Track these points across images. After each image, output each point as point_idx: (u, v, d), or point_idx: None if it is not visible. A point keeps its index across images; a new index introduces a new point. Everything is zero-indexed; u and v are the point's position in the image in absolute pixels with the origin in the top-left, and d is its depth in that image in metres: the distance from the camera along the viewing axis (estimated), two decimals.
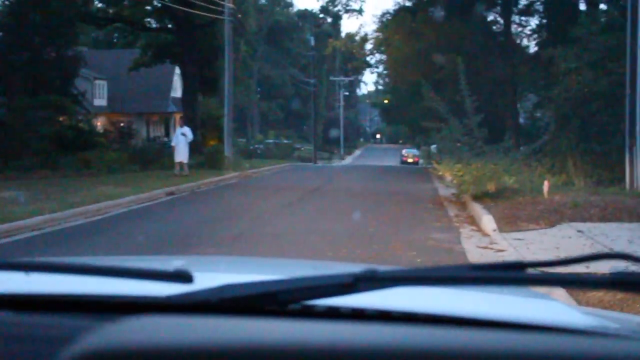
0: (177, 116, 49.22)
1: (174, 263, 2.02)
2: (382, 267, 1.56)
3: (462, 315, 1.62)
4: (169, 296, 1.57)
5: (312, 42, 64.08)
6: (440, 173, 24.14)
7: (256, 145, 65.75)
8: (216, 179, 28.46)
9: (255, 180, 30.76)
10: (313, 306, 1.53)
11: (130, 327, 1.15)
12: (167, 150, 31.79)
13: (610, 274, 1.35)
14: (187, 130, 29.38)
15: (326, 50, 53.02)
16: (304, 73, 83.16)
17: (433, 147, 76.83)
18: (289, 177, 32.86)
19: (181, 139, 28.95)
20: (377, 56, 50.24)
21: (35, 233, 14.20)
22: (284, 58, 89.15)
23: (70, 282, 1.77)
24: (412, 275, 1.54)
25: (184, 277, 1.56)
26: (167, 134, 57.81)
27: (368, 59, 49.04)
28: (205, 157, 33.44)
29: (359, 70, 47.50)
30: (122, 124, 57.65)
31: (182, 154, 28.69)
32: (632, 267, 1.76)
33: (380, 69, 67.98)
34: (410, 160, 73.54)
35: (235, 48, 47.40)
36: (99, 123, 56.53)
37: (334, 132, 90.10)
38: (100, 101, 59.63)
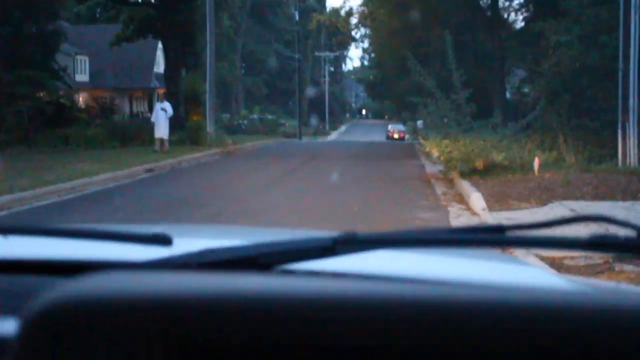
0: (161, 92, 48.44)
1: (153, 228, 1.91)
2: (362, 231, 1.51)
3: (440, 279, 1.60)
4: (146, 260, 1.53)
5: (297, 17, 62.84)
6: (427, 149, 23.40)
7: (240, 121, 65.09)
8: (198, 156, 27.70)
9: (237, 157, 29.78)
10: (293, 271, 1.50)
11: (105, 278, 1.11)
12: (149, 126, 30.91)
13: (589, 235, 1.35)
14: (167, 105, 28.66)
15: (310, 24, 51.92)
16: (288, 49, 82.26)
17: (419, 122, 76.60)
18: (272, 153, 31.93)
19: (161, 115, 28.24)
20: (362, 30, 49.18)
21: (3, 213, 13.55)
22: (269, 33, 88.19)
23: (48, 246, 1.77)
24: (392, 238, 1.51)
25: (162, 240, 1.59)
26: (150, 110, 56.59)
27: (353, 33, 47.75)
28: (187, 133, 32.59)
29: (344, 45, 46.32)
30: (104, 100, 57.59)
31: (162, 130, 28.03)
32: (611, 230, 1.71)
33: (366, 44, 67.20)
34: (396, 135, 72.93)
35: (218, 23, 47.05)
36: (81, 99, 56.29)
37: (318, 108, 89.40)
38: (82, 77, 59.27)
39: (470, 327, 0.97)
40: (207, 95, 33.37)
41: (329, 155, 31.29)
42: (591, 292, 1.58)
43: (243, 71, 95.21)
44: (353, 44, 50.17)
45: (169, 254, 1.53)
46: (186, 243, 1.77)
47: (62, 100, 43.96)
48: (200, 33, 43.72)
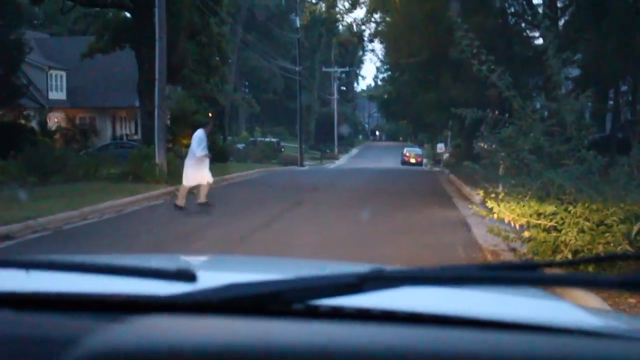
0: None
1: (177, 262, 1.91)
2: (390, 267, 1.52)
3: (468, 316, 1.54)
4: (172, 295, 1.51)
5: (297, 24, 55.63)
6: (480, 195, 12.54)
7: (238, 145, 58.37)
8: (127, 200, 19.04)
9: (190, 202, 18.96)
10: (318, 306, 1.48)
11: (135, 328, 1.17)
12: (79, 158, 23.48)
13: (620, 274, 1.39)
14: (196, 135, 18.47)
15: (303, 19, 44.28)
16: (294, 65, 75.39)
17: (440, 145, 70.28)
18: (243, 197, 22.69)
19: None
20: (373, 28, 40.14)
21: None
22: (274, 49, 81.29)
23: (72, 281, 1.73)
24: (420, 275, 1.51)
25: (187, 276, 1.56)
26: (137, 131, 50.72)
27: (361, 29, 38.88)
28: (130, 164, 24.60)
29: (349, 50, 38.42)
30: (83, 121, 51.87)
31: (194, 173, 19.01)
32: None
33: (377, 48, 59.96)
34: (412, 160, 67.26)
35: (205, 27, 40.71)
36: (56, 119, 50.36)
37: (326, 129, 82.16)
38: (58, 94, 53.16)
39: None
40: (156, 113, 24.91)
41: (324, 194, 23.16)
42: (617, 334, 1.55)
43: (247, 90, 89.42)
44: (361, 48, 40.90)
45: (193, 288, 1.50)
46: (210, 277, 1.77)
47: (21, 122, 38.95)
48: (181, 41, 38.63)
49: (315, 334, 1.12)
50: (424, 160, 68.56)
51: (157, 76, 24.99)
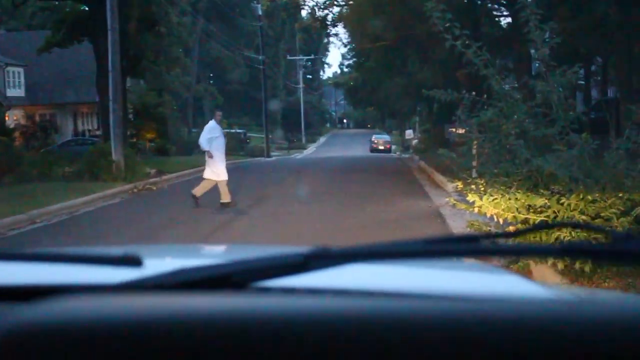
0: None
1: (122, 249, 1.64)
2: (335, 246, 1.49)
3: (419, 292, 1.53)
4: (115, 283, 1.44)
5: (259, 11, 54.45)
6: (462, 188, 10.85)
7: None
8: (80, 201, 17.58)
9: (150, 199, 19.42)
10: (268, 288, 1.45)
11: (64, 302, 1.12)
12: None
13: (560, 243, 1.38)
14: (209, 125, 17.31)
15: (263, 3, 43.09)
16: (259, 54, 74.31)
17: (408, 132, 69.61)
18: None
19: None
20: (336, 11, 38.58)
21: None
22: (237, 38, 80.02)
23: (10, 271, 1.69)
24: (365, 252, 1.48)
25: (132, 261, 1.53)
26: (99, 127, 49.61)
27: (324, 14, 37.27)
28: (85, 162, 23.24)
29: (314, 29, 37.12)
30: (43, 118, 51.04)
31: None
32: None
33: (341, 32, 58.82)
34: (381, 147, 66.38)
35: (164, 17, 39.62)
36: (15, 117, 49.47)
37: (294, 117, 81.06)
38: (16, 91, 51.63)
39: (451, 341, 0.98)
40: (110, 106, 23.64)
41: (290, 188, 21.91)
42: (572, 301, 1.58)
43: (211, 81, 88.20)
44: (324, 32, 39.36)
45: (140, 275, 1.45)
46: (157, 263, 1.76)
47: None
48: (141, 32, 37.47)
49: (266, 304, 1.10)
50: (393, 147, 67.91)
51: (110, 68, 23.73)
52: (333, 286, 1.50)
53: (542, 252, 1.51)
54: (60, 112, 52.89)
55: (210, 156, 16.28)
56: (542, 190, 7.46)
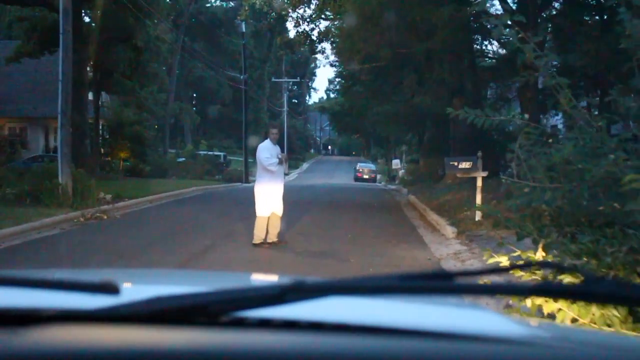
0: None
1: (99, 275, 1.77)
2: (313, 278, 1.50)
3: (393, 326, 1.54)
4: (92, 309, 1.45)
5: (243, 28, 52.22)
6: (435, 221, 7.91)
7: (178, 159, 54.88)
8: (8, 232, 14.15)
9: (97, 231, 16.10)
10: (244, 319, 1.46)
11: (37, 335, 1.13)
12: None
13: (534, 282, 1.39)
14: (262, 146, 14.68)
15: (241, 13, 40.50)
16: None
17: (395, 161, 67.46)
18: (157, 225, 17.84)
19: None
20: (323, 25, 35.76)
21: None
22: (221, 59, 77.87)
23: None
24: (341, 286, 1.50)
25: (109, 288, 1.52)
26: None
27: (309, 28, 34.54)
28: (28, 183, 20.15)
29: (298, 44, 34.45)
30: (13, 132, 49.02)
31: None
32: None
33: (328, 49, 56.45)
34: (366, 176, 63.90)
35: (140, 30, 37.44)
36: None
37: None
38: None
39: None
40: (59, 121, 20.81)
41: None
42: (536, 342, 1.58)
43: (194, 101, 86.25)
44: (308, 46, 36.52)
45: (117, 302, 1.45)
46: (134, 290, 1.76)
47: None
48: (114, 44, 35.35)
49: (241, 341, 1.11)
50: (378, 177, 65.77)
51: (60, 77, 21.09)
52: (309, 318, 1.47)
53: (516, 291, 1.44)
54: (31, 126, 50.46)
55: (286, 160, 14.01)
56: None
